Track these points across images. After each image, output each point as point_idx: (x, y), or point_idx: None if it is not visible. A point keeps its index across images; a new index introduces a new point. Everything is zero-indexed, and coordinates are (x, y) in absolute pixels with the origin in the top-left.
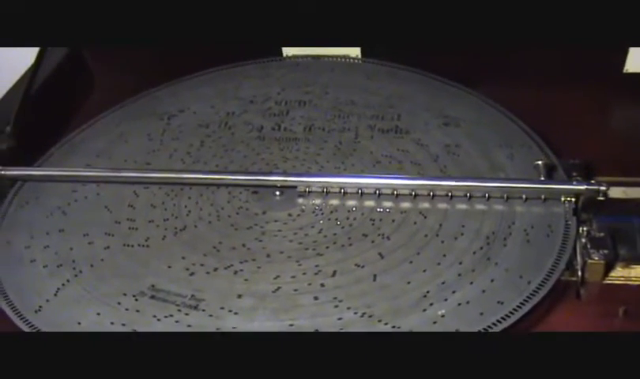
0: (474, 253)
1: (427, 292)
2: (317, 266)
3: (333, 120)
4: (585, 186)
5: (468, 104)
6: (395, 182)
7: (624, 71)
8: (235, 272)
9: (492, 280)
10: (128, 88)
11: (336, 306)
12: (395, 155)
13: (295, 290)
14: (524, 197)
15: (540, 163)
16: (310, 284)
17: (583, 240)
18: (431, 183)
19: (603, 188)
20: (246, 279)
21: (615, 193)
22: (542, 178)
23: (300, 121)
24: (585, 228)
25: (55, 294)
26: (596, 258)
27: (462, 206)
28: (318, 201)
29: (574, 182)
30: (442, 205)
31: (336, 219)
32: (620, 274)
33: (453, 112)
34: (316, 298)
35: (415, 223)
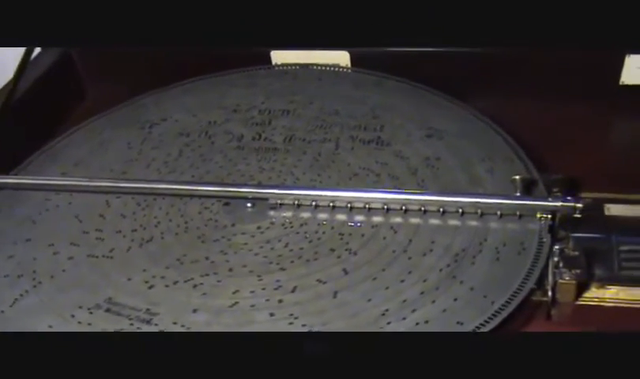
0: (440, 270)
1: (387, 310)
2: (278, 281)
3: (315, 130)
4: (561, 203)
5: (454, 116)
6: (367, 196)
7: (620, 83)
8: (195, 286)
9: (455, 299)
10: (119, 96)
11: (291, 323)
12: (373, 167)
13: (252, 305)
14: (498, 213)
15: (516, 177)
16: (267, 300)
17: (556, 259)
18: (404, 197)
19: (579, 205)
20: (204, 294)
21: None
22: (517, 194)
23: (282, 131)
24: (558, 246)
25: (12, 305)
26: (568, 278)
27: (435, 221)
28: (289, 214)
29: (550, 199)
30: (415, 220)
31: (305, 233)
32: (594, 295)
33: (438, 124)
34: (272, 315)
35: (384, 238)
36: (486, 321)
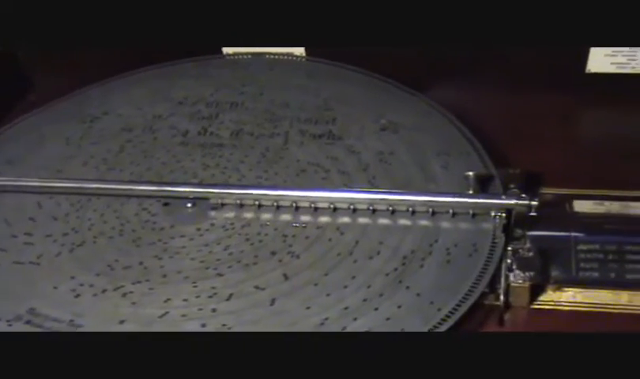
0: (387, 274)
1: (326, 319)
2: (213, 288)
3: (264, 124)
4: (515, 200)
5: (411, 108)
6: (314, 195)
7: (586, 71)
8: (124, 294)
9: (399, 306)
10: (67, 88)
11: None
12: (323, 163)
13: (183, 315)
14: (451, 211)
15: (470, 174)
16: (200, 309)
17: (509, 260)
18: (352, 196)
19: (534, 202)
20: (133, 303)
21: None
22: (470, 191)
23: (229, 125)
24: (512, 247)
25: None
26: (520, 281)
27: (384, 221)
28: (231, 215)
29: (503, 196)
30: (364, 220)
31: (247, 235)
32: (550, 298)
33: (394, 116)
34: (203, 326)
35: (330, 239)
36: (430, 330)
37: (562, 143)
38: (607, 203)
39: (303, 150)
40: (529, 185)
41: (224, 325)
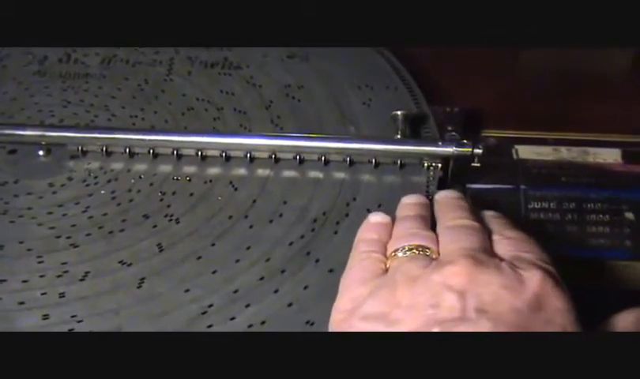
0: (291, 244)
1: (210, 306)
2: (65, 264)
3: (143, 49)
4: (454, 148)
5: None
6: (201, 140)
7: None
8: None
9: (306, 287)
10: None
11: (71, 329)
12: (216, 99)
13: (21, 303)
14: (373, 161)
15: (398, 113)
16: (44, 294)
17: None
18: (248, 142)
19: (478, 150)
20: None
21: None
22: (398, 135)
23: (99, 50)
24: None
25: None
26: None
27: (290, 174)
28: (94, 165)
29: (440, 143)
30: (263, 172)
31: (113, 192)
32: None
33: None
34: (45, 317)
35: (220, 197)
36: None
37: (508, 76)
38: (561, 148)
39: (191, 82)
40: (469, 128)
41: (72, 317)
